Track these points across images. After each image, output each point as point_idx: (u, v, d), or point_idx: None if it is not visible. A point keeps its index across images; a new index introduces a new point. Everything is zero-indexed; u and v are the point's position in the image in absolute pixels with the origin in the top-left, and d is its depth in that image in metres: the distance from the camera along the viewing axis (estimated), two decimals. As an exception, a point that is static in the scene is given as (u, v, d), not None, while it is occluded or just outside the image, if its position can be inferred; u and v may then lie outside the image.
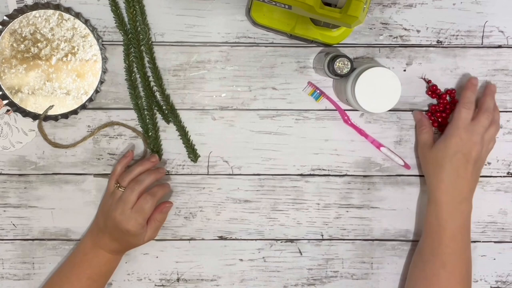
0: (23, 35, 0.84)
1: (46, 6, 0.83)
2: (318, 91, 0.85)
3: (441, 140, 0.81)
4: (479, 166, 0.83)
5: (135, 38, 0.84)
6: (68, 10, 0.84)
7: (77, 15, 0.84)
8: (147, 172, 0.83)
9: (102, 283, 0.84)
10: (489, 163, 0.88)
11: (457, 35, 0.86)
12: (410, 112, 0.87)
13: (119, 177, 0.83)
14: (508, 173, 0.89)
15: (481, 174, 0.88)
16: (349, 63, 0.77)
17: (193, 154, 0.87)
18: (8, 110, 0.86)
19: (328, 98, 0.86)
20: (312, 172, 0.88)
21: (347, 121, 0.86)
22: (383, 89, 0.76)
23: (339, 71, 0.77)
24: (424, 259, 0.82)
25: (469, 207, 0.82)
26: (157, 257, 0.89)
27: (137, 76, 0.85)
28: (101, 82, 0.85)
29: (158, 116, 0.87)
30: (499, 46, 0.86)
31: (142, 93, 0.86)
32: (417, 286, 0.82)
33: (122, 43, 0.85)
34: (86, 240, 0.84)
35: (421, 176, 0.88)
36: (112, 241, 0.82)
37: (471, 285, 0.83)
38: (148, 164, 0.83)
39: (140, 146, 0.88)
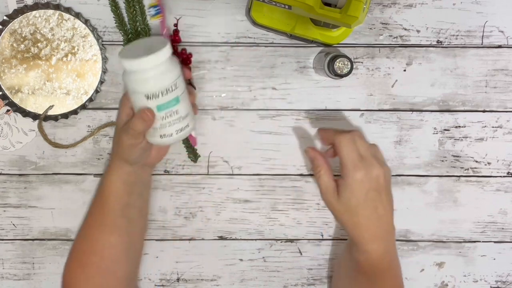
0: (23, 35, 0.84)
1: (46, 6, 0.83)
2: (159, 7, 0.79)
3: (345, 188, 0.73)
4: (389, 187, 0.76)
5: (135, 38, 0.84)
6: (68, 10, 0.84)
7: (77, 15, 0.84)
8: None
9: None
10: (489, 163, 0.88)
11: (457, 35, 0.86)
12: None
13: None
14: (508, 173, 0.89)
15: (479, 174, 0.88)
16: (349, 63, 0.77)
17: (193, 154, 0.87)
18: (8, 110, 0.86)
19: (163, 21, 0.80)
20: (312, 172, 0.88)
21: None
22: None
23: (339, 71, 0.77)
24: None
25: (394, 233, 0.78)
26: (157, 257, 0.89)
27: (137, 76, 0.86)
28: (101, 82, 0.85)
29: (158, 116, 0.87)
30: (499, 46, 0.86)
31: (142, 93, 0.86)
32: None
33: (122, 43, 0.85)
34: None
35: (421, 176, 0.88)
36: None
37: None
38: None
39: (140, 146, 0.88)
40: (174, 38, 0.84)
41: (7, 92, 0.85)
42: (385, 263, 0.76)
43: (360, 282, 0.78)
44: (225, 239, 0.89)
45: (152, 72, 0.69)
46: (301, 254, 0.90)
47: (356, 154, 0.73)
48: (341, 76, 0.77)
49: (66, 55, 0.85)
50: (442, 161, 0.88)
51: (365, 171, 0.72)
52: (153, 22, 0.84)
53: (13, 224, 0.89)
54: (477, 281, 0.91)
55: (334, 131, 0.76)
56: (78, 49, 0.85)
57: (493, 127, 0.88)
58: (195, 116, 0.77)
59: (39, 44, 0.84)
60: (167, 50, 0.70)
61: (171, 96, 0.71)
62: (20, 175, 0.88)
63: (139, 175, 0.80)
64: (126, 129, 0.73)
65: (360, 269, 0.76)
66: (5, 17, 0.83)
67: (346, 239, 0.89)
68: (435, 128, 0.88)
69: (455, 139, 0.88)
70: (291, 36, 0.83)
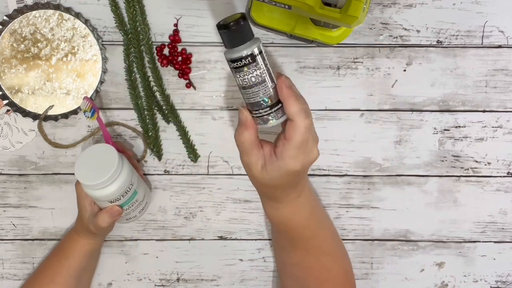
0: (23, 35, 0.84)
1: (46, 6, 0.83)
2: (94, 108, 0.79)
3: (279, 168, 0.65)
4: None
5: (135, 38, 0.84)
6: (68, 10, 0.84)
7: (77, 15, 0.84)
8: None
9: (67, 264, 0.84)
10: (489, 163, 0.88)
11: (457, 35, 0.86)
12: (410, 112, 0.87)
13: None
14: (508, 173, 0.89)
15: (479, 174, 0.88)
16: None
17: (193, 154, 0.87)
18: (8, 110, 0.86)
19: (99, 119, 0.80)
20: (312, 172, 0.88)
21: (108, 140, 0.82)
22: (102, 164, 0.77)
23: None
24: (291, 256, 0.78)
25: (308, 188, 0.73)
26: (157, 257, 0.89)
27: (137, 76, 0.86)
28: (101, 82, 0.85)
29: (158, 116, 0.87)
30: (499, 46, 0.86)
31: (142, 93, 0.86)
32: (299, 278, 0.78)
33: (122, 43, 0.85)
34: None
35: (421, 176, 0.88)
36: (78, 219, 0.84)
37: (342, 245, 0.83)
38: None
39: (140, 146, 0.88)
40: (174, 38, 0.85)
41: (7, 92, 0.85)
42: (298, 216, 0.72)
43: (283, 246, 0.79)
44: (225, 239, 0.89)
45: (109, 183, 0.76)
46: (301, 254, 0.90)
47: (306, 140, 0.64)
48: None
49: (66, 55, 0.85)
50: (442, 161, 0.88)
51: (304, 158, 0.65)
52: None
53: (13, 224, 0.89)
54: (477, 281, 0.91)
55: (299, 100, 0.64)
56: (78, 49, 0.85)
57: (493, 127, 0.88)
58: (146, 185, 0.85)
59: (39, 44, 0.84)
60: (118, 160, 0.76)
61: (130, 193, 0.79)
62: (20, 175, 0.88)
63: (100, 243, 0.86)
64: (94, 223, 0.78)
65: (278, 229, 0.77)
66: (5, 17, 0.83)
67: (346, 239, 0.89)
68: (435, 128, 0.88)
69: (455, 139, 0.88)
70: (291, 36, 0.83)
